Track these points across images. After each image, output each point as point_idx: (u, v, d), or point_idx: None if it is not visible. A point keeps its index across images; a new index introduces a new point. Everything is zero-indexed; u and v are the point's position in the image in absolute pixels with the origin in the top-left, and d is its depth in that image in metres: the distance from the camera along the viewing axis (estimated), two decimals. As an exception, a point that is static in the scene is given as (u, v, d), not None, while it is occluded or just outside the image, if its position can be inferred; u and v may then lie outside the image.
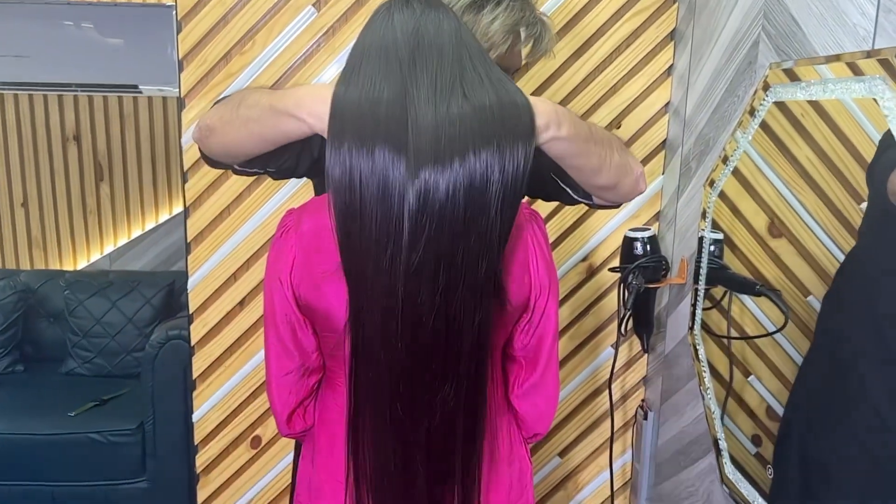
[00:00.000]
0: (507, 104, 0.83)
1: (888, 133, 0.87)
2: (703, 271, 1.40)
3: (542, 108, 0.87)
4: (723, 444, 1.34)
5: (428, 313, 0.84)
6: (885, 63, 0.88)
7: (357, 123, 0.81)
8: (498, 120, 0.82)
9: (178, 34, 1.68)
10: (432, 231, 0.81)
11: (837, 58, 0.99)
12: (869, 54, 0.91)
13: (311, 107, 0.87)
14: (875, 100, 0.89)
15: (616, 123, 1.73)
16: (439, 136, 0.80)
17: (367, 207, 0.81)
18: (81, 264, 3.35)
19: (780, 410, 1.17)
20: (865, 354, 0.94)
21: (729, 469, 1.32)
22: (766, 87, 1.17)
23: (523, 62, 1.20)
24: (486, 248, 0.84)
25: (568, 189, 1.06)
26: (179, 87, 1.71)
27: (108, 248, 3.35)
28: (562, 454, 1.92)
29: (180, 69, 1.70)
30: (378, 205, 0.80)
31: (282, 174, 1.10)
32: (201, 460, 1.89)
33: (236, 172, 1.07)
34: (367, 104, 0.82)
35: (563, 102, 1.71)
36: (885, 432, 0.88)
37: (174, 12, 1.68)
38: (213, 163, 1.06)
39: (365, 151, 0.80)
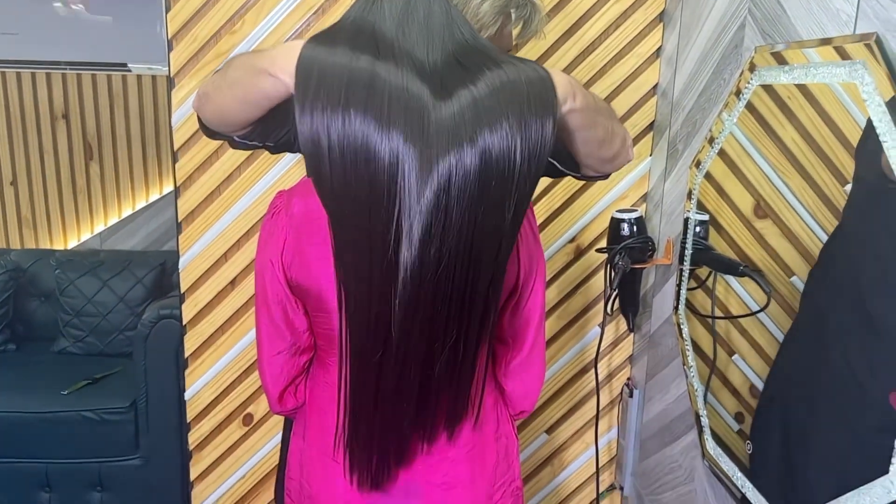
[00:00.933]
0: (531, 79, 0.80)
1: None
2: (688, 252, 1.42)
3: (559, 80, 0.84)
4: (705, 421, 1.37)
5: (431, 280, 0.83)
6: (865, 48, 0.89)
7: (329, 83, 0.77)
8: (517, 95, 0.79)
9: (166, 13, 1.68)
10: (442, 210, 0.79)
11: (822, 42, 1.00)
12: (862, 37, 0.92)
13: (284, 63, 0.81)
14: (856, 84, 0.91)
15: (605, 105, 1.74)
16: (446, 114, 0.78)
17: (336, 170, 0.78)
18: (72, 243, 3.35)
19: (762, 388, 1.19)
20: (848, 327, 0.96)
21: (710, 445, 1.35)
22: (752, 69, 1.19)
23: (513, 43, 1.20)
24: (499, 236, 0.83)
25: (555, 162, 1.06)
26: (169, 67, 1.71)
27: (99, 228, 3.35)
28: (549, 431, 1.95)
29: (169, 49, 1.69)
30: (364, 175, 0.78)
31: (279, 148, 1.08)
32: (194, 437, 1.91)
33: (234, 145, 1.03)
34: (342, 67, 0.78)
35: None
36: (867, 404, 0.91)
37: (163, -15, 1.67)
38: (212, 133, 1.02)
39: (337, 112, 0.76)
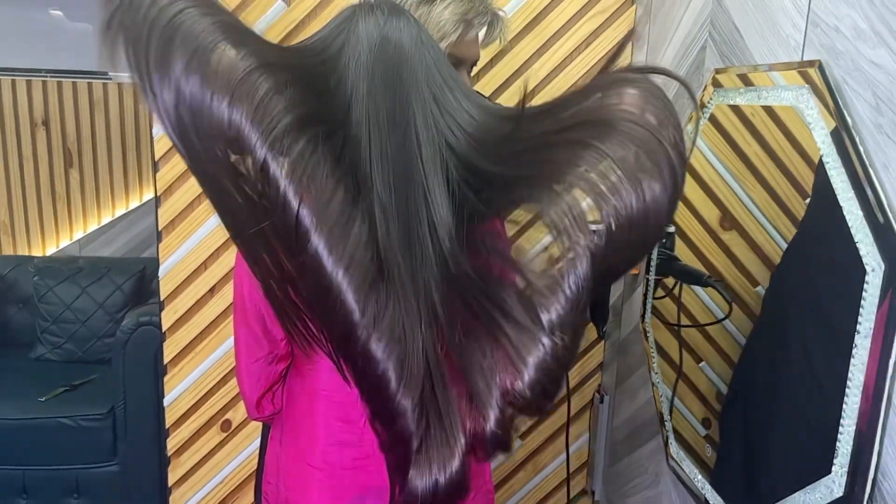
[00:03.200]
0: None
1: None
2: (654, 263, 1.47)
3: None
4: (668, 426, 1.42)
5: None
6: (810, 74, 0.95)
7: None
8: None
9: (149, 26, 1.70)
10: None
11: (759, 67, 1.06)
12: (807, 64, 0.98)
13: None
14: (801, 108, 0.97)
15: (576, 119, 1.79)
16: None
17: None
18: (50, 250, 3.34)
19: (726, 393, 1.24)
20: (807, 327, 1.00)
21: (674, 449, 1.40)
22: (716, 84, 1.24)
23: (479, 52, 1.23)
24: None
25: None
26: (150, 79, 1.73)
27: (78, 235, 3.35)
28: (522, 436, 2.00)
29: (151, 61, 1.72)
30: None
31: None
32: (172, 444, 1.93)
33: None
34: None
35: (527, 99, 1.76)
36: (820, 405, 0.95)
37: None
38: None
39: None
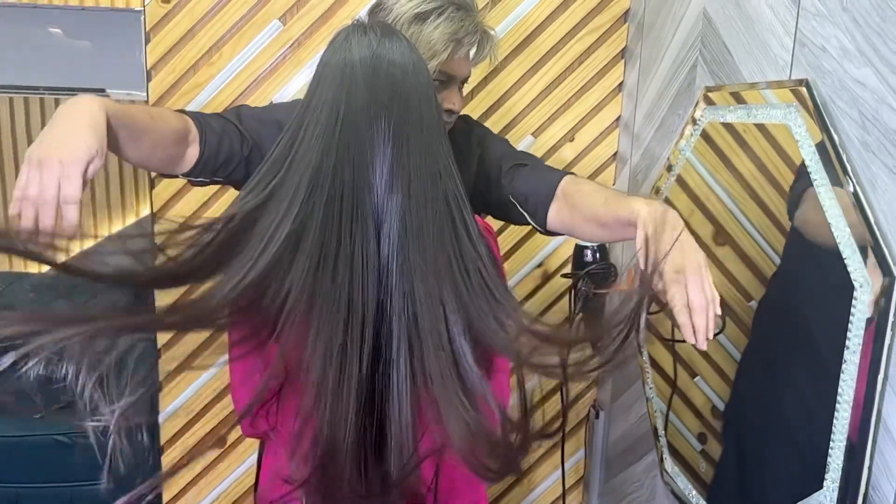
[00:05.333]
0: None
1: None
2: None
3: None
4: (662, 441, 1.42)
5: None
6: (798, 92, 0.97)
7: None
8: None
9: (146, 45, 1.73)
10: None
11: (754, 85, 1.08)
12: (796, 83, 0.99)
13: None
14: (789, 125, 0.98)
15: (569, 137, 1.81)
16: None
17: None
18: (47, 267, 3.34)
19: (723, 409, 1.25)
20: (794, 347, 1.01)
21: (668, 464, 1.40)
22: (707, 101, 1.25)
23: (469, 70, 1.25)
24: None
25: (526, 214, 1.14)
26: (147, 97, 1.75)
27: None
28: (518, 452, 1.99)
29: (148, 79, 1.74)
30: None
31: (232, 182, 1.15)
32: (167, 461, 1.92)
33: (192, 183, 1.13)
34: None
35: (520, 117, 1.78)
36: (816, 417, 0.95)
37: (142, 18, 1.72)
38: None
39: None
